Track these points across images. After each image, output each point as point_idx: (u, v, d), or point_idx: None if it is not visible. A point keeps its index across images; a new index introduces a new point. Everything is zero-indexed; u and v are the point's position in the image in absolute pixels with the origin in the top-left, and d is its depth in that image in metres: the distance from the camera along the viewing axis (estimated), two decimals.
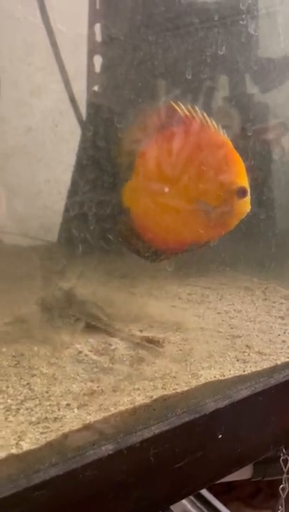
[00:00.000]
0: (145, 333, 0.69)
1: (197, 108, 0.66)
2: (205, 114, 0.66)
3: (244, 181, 0.65)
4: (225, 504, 1.03)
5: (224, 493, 1.16)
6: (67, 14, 1.36)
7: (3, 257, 1.07)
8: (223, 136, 0.66)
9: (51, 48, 1.37)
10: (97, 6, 1.44)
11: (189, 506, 0.99)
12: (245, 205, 0.66)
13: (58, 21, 1.39)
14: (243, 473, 1.02)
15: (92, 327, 0.74)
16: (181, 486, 0.53)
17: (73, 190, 1.29)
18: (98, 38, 1.43)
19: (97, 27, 1.44)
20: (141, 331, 0.70)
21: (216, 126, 0.66)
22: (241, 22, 1.23)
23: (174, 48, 1.26)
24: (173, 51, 1.26)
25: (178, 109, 0.64)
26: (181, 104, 0.65)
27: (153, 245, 0.67)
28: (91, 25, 1.43)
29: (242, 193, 0.65)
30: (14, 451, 0.41)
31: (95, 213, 0.94)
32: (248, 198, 0.65)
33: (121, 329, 0.75)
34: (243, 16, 1.22)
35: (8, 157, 1.13)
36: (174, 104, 0.65)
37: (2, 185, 1.14)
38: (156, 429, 0.48)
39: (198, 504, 1.02)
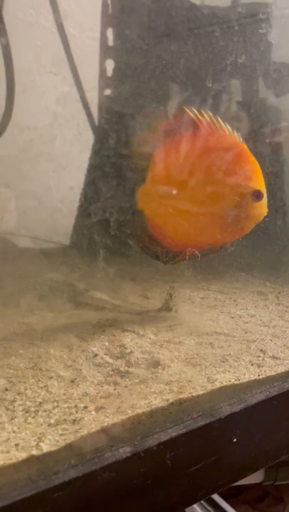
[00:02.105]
0: (160, 336, 0.69)
1: (211, 113, 0.66)
2: (219, 119, 0.67)
3: (260, 184, 0.66)
4: (233, 507, 1.03)
5: (232, 496, 1.16)
6: (80, 18, 1.38)
7: (19, 259, 1.08)
8: (239, 140, 0.67)
9: (66, 55, 1.38)
10: (110, 11, 1.45)
11: (198, 508, 0.99)
12: (262, 208, 0.66)
13: (71, 26, 1.41)
14: (255, 477, 1.02)
15: (101, 309, 0.76)
16: (196, 489, 0.54)
17: (86, 194, 1.30)
18: (110, 42, 1.44)
19: (110, 31, 1.45)
20: (155, 334, 0.70)
21: (230, 130, 0.66)
22: (256, 27, 1.24)
23: (187, 53, 1.27)
24: (186, 56, 1.27)
25: (191, 114, 0.65)
26: (194, 109, 0.66)
27: (167, 247, 0.68)
28: (104, 30, 1.44)
29: (257, 195, 0.65)
30: (35, 452, 0.41)
31: (108, 217, 0.95)
32: (264, 201, 0.66)
33: (128, 308, 0.77)
34: (258, 22, 1.23)
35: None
36: (187, 110, 0.66)
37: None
38: (172, 432, 0.49)
39: (207, 506, 1.02)
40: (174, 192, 0.66)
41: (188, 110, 0.65)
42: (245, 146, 0.66)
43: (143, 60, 1.29)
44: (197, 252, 0.68)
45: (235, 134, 0.66)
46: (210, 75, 1.30)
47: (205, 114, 0.65)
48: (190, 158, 0.66)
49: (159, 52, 1.27)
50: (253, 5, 1.35)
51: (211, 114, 0.65)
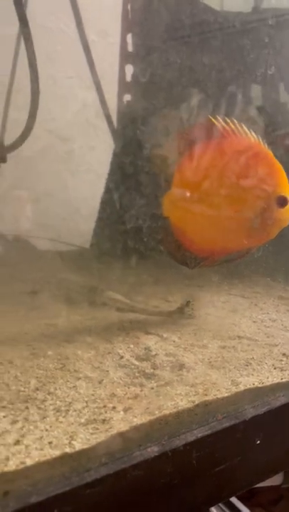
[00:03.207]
0: (183, 340, 0.71)
1: (235, 119, 0.68)
2: (243, 125, 0.68)
3: (285, 190, 0.67)
4: None
5: (247, 498, 1.17)
6: (100, 24, 1.39)
7: (40, 261, 1.10)
8: (264, 146, 0.68)
9: (87, 61, 1.40)
10: (130, 17, 1.47)
11: (213, 509, 1.00)
12: (286, 214, 0.67)
13: (92, 31, 1.43)
14: (274, 480, 1.03)
15: (124, 311, 0.78)
16: (220, 489, 0.55)
17: (106, 199, 1.31)
18: (130, 47, 1.46)
19: (129, 37, 1.47)
20: (179, 337, 0.72)
21: (255, 136, 0.67)
22: (276, 33, 1.25)
23: (207, 58, 1.28)
24: (207, 61, 1.28)
25: (215, 122, 0.66)
26: (218, 117, 0.67)
27: (192, 253, 0.69)
28: (124, 36, 1.46)
29: (282, 201, 0.66)
30: (68, 450, 0.43)
31: (132, 221, 0.96)
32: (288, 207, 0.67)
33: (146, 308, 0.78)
34: (279, 27, 1.24)
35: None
36: (211, 118, 0.67)
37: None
38: (198, 433, 0.50)
39: (223, 507, 1.03)
40: (200, 198, 0.67)
41: (212, 118, 0.66)
42: (270, 152, 0.67)
43: (163, 66, 1.31)
44: (223, 258, 0.69)
45: (260, 140, 0.67)
46: (230, 80, 1.32)
47: (229, 121, 0.66)
48: (215, 164, 0.67)
49: (180, 58, 1.29)
50: (274, 10, 1.37)
51: (236, 121, 0.66)
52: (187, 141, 0.67)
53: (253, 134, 0.66)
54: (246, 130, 0.66)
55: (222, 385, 0.57)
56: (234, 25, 1.32)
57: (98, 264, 1.20)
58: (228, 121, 0.66)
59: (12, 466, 0.40)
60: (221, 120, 0.66)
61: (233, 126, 0.67)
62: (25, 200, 1.28)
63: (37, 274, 1.05)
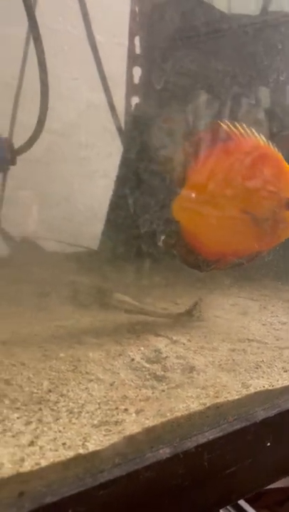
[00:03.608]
0: (193, 342, 0.71)
1: (244, 123, 0.68)
2: (253, 129, 0.68)
3: None
4: None
5: (253, 500, 1.17)
6: (106, 25, 1.40)
7: (49, 263, 1.11)
8: (274, 150, 0.68)
9: (95, 62, 1.41)
10: (138, 19, 1.47)
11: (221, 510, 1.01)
12: None
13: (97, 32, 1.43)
14: (284, 481, 1.03)
15: (133, 313, 0.78)
16: (230, 491, 0.55)
17: (114, 201, 1.32)
18: (138, 50, 1.46)
19: (137, 39, 1.48)
20: (189, 340, 0.72)
21: (265, 140, 0.68)
22: (283, 35, 1.25)
23: (216, 60, 1.29)
24: (215, 64, 1.29)
25: (225, 126, 0.67)
26: (227, 122, 0.68)
27: (203, 256, 0.70)
28: (131, 38, 1.46)
29: None
30: (81, 451, 0.43)
31: (140, 224, 0.97)
32: None
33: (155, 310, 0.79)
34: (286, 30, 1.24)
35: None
36: (221, 123, 0.68)
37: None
38: (210, 435, 0.51)
39: (229, 508, 1.03)
40: (210, 202, 0.67)
41: (222, 123, 0.67)
42: (280, 155, 0.68)
43: (172, 69, 1.31)
44: (233, 261, 0.70)
45: (270, 144, 0.67)
46: (238, 82, 1.32)
47: (239, 126, 0.67)
48: (224, 168, 0.67)
49: (188, 60, 1.29)
50: (281, 13, 1.37)
51: (245, 125, 0.67)
52: (197, 144, 0.68)
53: (263, 137, 0.67)
54: (255, 133, 0.67)
55: (233, 388, 0.57)
56: (243, 28, 1.32)
57: (106, 266, 1.21)
58: (237, 125, 0.67)
59: (27, 467, 0.40)
60: (230, 124, 0.66)
61: (242, 130, 0.67)
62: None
63: (45, 276, 1.05)
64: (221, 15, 1.34)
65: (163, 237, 0.71)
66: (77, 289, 0.96)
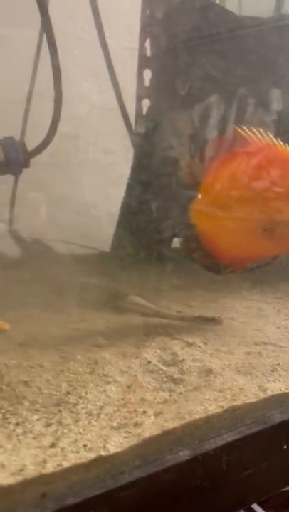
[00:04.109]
0: (209, 346, 0.71)
1: (262, 130, 0.68)
2: (270, 134, 0.69)
3: None
4: None
5: (261, 502, 1.17)
6: (116, 29, 1.41)
7: (61, 265, 1.11)
8: None
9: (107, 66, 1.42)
10: (149, 22, 1.47)
11: None
12: None
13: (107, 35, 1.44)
14: None
15: (147, 316, 0.79)
16: (247, 494, 0.56)
17: (126, 203, 1.32)
18: (148, 53, 1.47)
19: (148, 42, 1.48)
20: (205, 343, 0.72)
21: (282, 145, 0.68)
22: None
23: (227, 62, 1.29)
24: (226, 65, 1.29)
25: (242, 132, 0.67)
26: (245, 128, 0.68)
27: (220, 260, 0.70)
28: (142, 41, 1.46)
29: None
30: (102, 453, 0.44)
31: (155, 227, 0.97)
32: None
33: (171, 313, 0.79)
34: None
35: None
36: (238, 128, 0.68)
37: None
38: (228, 438, 0.51)
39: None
40: (227, 206, 0.68)
41: (239, 129, 0.67)
42: None
43: (184, 72, 1.31)
44: (250, 265, 0.70)
45: (287, 147, 0.68)
46: (251, 84, 1.32)
47: (256, 132, 0.67)
48: (242, 173, 0.68)
49: (200, 63, 1.30)
50: None
51: (262, 131, 0.67)
52: (215, 148, 0.68)
53: (281, 142, 0.67)
54: (273, 138, 0.67)
55: (249, 391, 0.58)
56: (256, 30, 1.32)
57: (119, 268, 1.21)
58: (255, 130, 0.67)
59: (49, 468, 0.41)
60: (247, 129, 0.67)
61: (259, 136, 0.67)
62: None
63: (58, 278, 1.06)
64: (235, 17, 1.34)
65: (180, 240, 0.71)
66: (90, 291, 0.97)
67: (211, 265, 0.71)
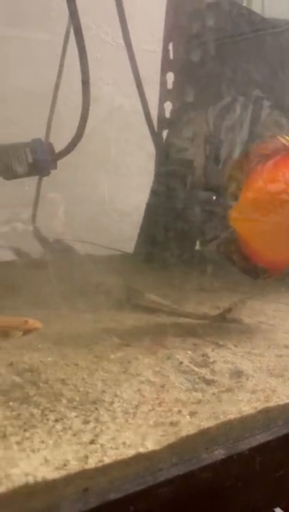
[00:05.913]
0: (240, 348, 0.72)
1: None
2: None
3: None
4: None
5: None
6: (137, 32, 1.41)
7: (87, 266, 1.12)
8: None
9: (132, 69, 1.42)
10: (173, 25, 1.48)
11: None
12: None
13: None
14: None
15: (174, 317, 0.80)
16: (279, 494, 0.56)
17: (151, 204, 1.33)
18: (172, 55, 1.47)
19: (171, 46, 1.48)
20: (235, 345, 0.73)
21: None
22: None
23: (248, 65, 1.30)
24: (249, 67, 1.29)
25: (284, 140, 0.68)
26: (286, 136, 0.69)
27: (258, 264, 0.71)
28: (166, 44, 1.47)
29: None
30: (141, 450, 0.45)
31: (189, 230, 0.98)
32: None
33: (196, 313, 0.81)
34: None
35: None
36: (280, 137, 0.69)
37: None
38: (261, 438, 0.52)
39: None
40: (268, 211, 0.68)
41: (281, 138, 0.68)
42: None
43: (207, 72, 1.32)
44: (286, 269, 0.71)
45: None
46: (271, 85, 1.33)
47: None
48: (282, 178, 0.68)
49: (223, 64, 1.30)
50: None
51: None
52: (258, 156, 0.69)
53: None
54: None
55: (282, 393, 0.58)
56: (282, 32, 1.33)
57: (142, 269, 1.22)
58: None
59: (92, 464, 0.42)
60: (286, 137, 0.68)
61: None
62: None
63: (84, 278, 1.07)
64: (261, 19, 1.35)
65: (218, 243, 0.72)
66: (116, 292, 0.98)
67: (249, 268, 0.71)
